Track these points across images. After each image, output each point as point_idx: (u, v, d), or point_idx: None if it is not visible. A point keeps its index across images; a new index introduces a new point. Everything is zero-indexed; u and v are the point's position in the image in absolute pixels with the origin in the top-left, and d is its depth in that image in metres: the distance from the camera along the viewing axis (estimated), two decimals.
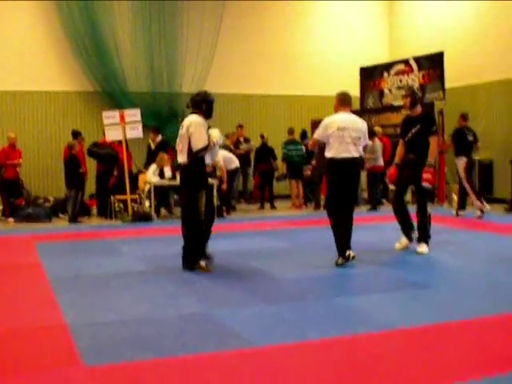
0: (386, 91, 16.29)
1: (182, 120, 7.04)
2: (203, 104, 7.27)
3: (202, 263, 7.20)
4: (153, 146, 14.01)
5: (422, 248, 8.11)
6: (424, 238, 8.16)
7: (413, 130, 8.08)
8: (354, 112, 7.81)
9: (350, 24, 18.18)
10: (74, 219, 12.40)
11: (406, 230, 8.26)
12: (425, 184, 8.02)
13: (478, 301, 5.71)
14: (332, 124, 7.34)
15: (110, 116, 13.16)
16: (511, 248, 8.65)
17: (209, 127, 7.31)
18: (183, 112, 16.28)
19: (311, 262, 7.66)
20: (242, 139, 15.34)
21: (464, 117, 12.38)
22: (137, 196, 13.13)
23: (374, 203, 13.91)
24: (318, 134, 7.47)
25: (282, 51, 17.40)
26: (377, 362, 4.11)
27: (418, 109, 8.20)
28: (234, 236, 10.08)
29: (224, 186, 12.83)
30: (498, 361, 4.08)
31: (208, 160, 7.40)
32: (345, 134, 7.25)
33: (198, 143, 7.06)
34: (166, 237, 10.34)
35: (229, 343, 4.51)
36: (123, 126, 13.00)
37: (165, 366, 4.08)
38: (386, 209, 12.46)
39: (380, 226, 10.98)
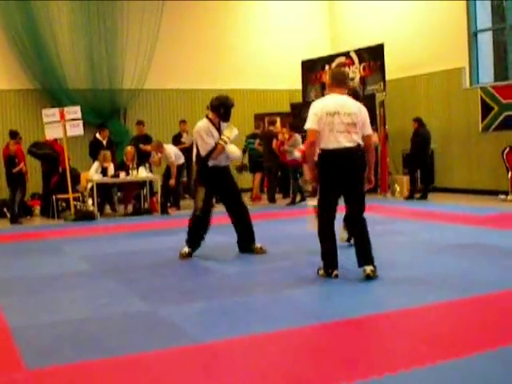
0: None
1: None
2: (221, 108, 7.65)
3: (183, 250, 7.67)
4: (104, 143, 13.83)
5: None
6: None
7: None
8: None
9: (291, 17, 18.19)
10: (13, 220, 12.16)
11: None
12: None
13: (423, 289, 5.81)
14: (321, 109, 6.11)
15: (50, 114, 12.92)
16: (452, 236, 8.81)
17: (218, 127, 7.65)
18: (125, 109, 16.19)
19: (257, 255, 7.68)
20: (184, 134, 15.25)
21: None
22: (79, 194, 12.96)
23: (294, 197, 13.90)
24: (313, 123, 6.09)
25: (224, 46, 17.32)
26: (322, 353, 4.15)
27: None
28: (177, 232, 9.98)
29: (172, 182, 12.78)
30: (442, 348, 4.16)
31: (219, 160, 7.64)
32: (335, 121, 6.02)
33: (203, 149, 7.55)
34: (109, 235, 10.25)
35: (175, 340, 4.48)
36: (63, 124, 12.80)
37: (110, 366, 4.02)
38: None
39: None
